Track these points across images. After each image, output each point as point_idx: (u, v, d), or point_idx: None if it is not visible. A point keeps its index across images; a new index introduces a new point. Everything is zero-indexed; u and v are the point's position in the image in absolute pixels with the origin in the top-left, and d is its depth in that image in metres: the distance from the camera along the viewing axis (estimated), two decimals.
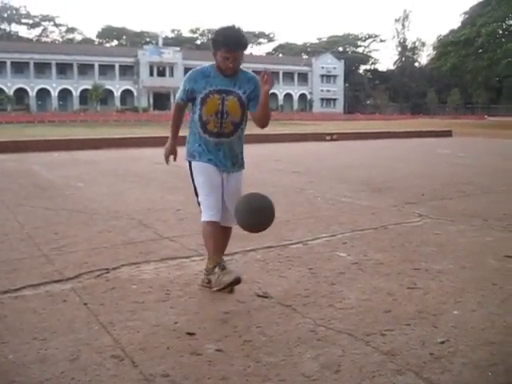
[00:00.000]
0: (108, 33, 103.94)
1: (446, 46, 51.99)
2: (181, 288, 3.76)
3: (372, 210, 6.67)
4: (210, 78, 3.52)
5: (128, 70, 78.19)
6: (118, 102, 76.22)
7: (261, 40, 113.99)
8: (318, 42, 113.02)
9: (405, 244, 4.98)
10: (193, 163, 3.63)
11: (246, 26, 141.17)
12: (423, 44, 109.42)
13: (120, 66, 77.44)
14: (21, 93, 71.54)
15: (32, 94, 72.35)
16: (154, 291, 3.69)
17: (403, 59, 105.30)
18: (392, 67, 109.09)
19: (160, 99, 78.03)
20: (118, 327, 3.06)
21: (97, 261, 4.38)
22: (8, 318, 3.21)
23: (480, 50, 47.07)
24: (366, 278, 4.00)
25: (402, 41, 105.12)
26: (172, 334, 2.98)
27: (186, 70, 77.99)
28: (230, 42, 3.40)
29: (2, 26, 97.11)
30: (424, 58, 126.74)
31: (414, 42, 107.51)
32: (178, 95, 3.67)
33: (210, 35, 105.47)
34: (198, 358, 2.70)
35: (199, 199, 3.62)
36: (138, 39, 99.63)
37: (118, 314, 3.26)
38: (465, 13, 54.13)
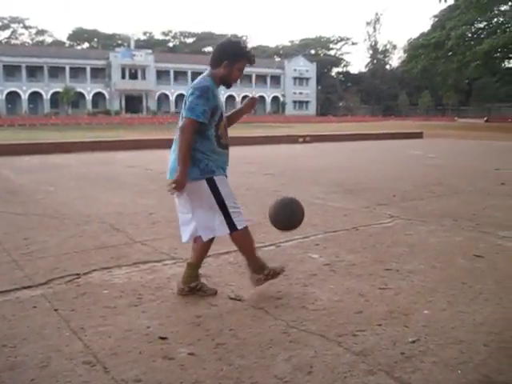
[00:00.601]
0: (79, 35, 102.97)
1: (416, 48, 52.72)
2: (153, 292, 3.74)
3: (344, 211, 6.72)
4: (216, 91, 3.44)
5: (99, 73, 77.54)
6: (89, 105, 75.56)
7: None
8: (290, 44, 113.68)
9: (376, 245, 5.03)
10: (215, 178, 3.45)
11: (219, 29, 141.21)
12: (394, 47, 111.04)
13: (91, 68, 76.79)
14: None
15: (1, 97, 71.31)
16: (126, 296, 3.66)
17: (375, 62, 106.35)
18: (364, 70, 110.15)
19: (132, 102, 77.62)
20: (89, 333, 3.03)
21: (68, 266, 4.33)
22: None
23: (450, 53, 47.84)
24: (338, 279, 4.03)
25: (373, 44, 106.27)
26: (144, 338, 2.97)
27: (158, 72, 78.64)
28: (253, 55, 3.47)
29: None
30: (395, 60, 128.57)
31: (385, 45, 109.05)
32: (194, 113, 3.27)
33: (185, 39, 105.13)
34: (171, 362, 2.69)
35: (230, 210, 3.45)
36: (110, 41, 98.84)
37: (89, 320, 3.23)
38: (435, 16, 54.94)
